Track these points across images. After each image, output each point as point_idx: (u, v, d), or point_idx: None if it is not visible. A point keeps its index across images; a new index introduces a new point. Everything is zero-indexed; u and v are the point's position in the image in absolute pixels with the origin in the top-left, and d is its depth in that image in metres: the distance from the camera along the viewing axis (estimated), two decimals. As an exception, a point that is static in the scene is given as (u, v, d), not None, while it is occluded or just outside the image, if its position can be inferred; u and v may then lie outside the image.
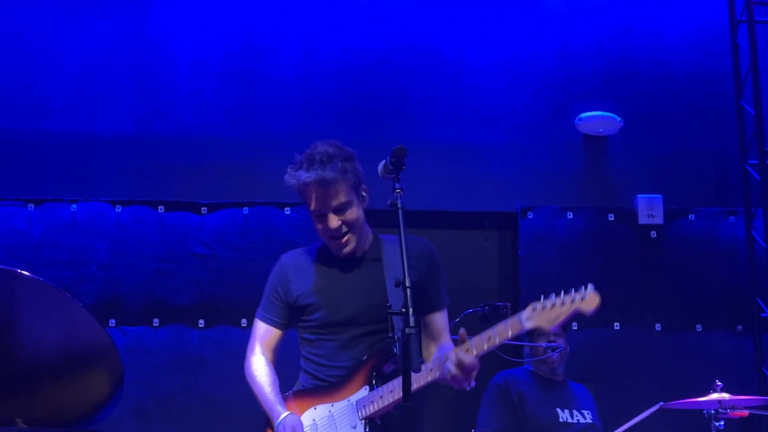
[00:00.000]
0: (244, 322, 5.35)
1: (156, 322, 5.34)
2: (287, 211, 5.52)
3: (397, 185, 2.93)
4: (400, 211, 2.87)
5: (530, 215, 5.70)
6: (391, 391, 2.95)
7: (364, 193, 3.19)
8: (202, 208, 5.49)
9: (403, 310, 2.67)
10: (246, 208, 5.51)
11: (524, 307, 5.27)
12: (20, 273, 3.63)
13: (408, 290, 2.70)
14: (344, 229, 3.12)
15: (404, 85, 5.84)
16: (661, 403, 4.32)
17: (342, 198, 3.08)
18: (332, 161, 3.09)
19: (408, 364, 2.61)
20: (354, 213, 3.12)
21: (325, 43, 5.80)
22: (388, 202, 2.91)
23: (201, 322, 5.36)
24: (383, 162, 3.01)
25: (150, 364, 5.26)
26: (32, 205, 5.35)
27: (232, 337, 5.35)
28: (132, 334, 5.28)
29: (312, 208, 3.13)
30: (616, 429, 4.41)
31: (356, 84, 5.81)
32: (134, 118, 5.59)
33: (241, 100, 5.70)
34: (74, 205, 5.38)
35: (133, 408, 5.10)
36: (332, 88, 5.79)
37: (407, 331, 2.61)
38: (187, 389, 5.27)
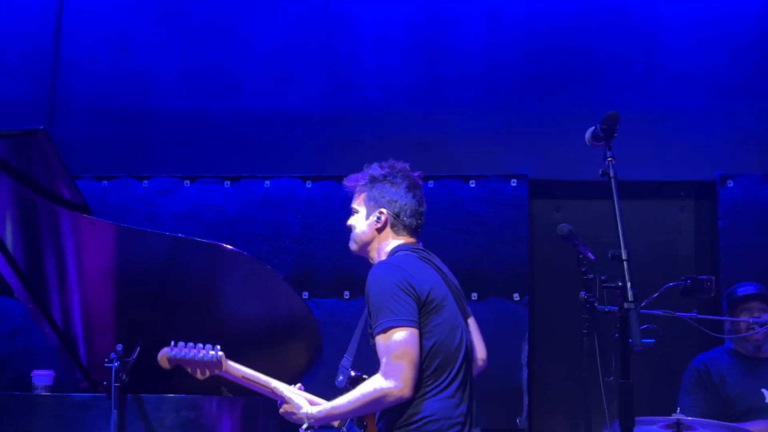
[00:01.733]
0: (430, 295, 5.37)
1: (347, 294, 5.44)
2: (472, 183, 5.48)
3: (608, 153, 2.84)
4: (612, 180, 2.79)
5: (730, 183, 5.38)
6: None
7: (378, 215, 3.09)
8: (389, 182, 5.52)
9: (620, 284, 2.59)
10: (431, 182, 5.50)
11: (727, 281, 5.02)
12: (225, 247, 3.78)
13: (625, 263, 2.61)
14: (351, 230, 3.31)
15: (592, 50, 5.63)
16: None
17: (353, 203, 3.32)
18: (366, 174, 3.30)
19: (625, 340, 2.53)
20: (354, 220, 3.29)
21: (509, 10, 5.67)
22: (600, 171, 2.84)
23: (390, 295, 5.41)
24: (592, 129, 2.94)
25: (342, 336, 5.34)
26: (228, 182, 5.57)
27: (420, 309, 5.37)
28: (324, 306, 5.41)
29: None
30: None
31: (541, 51, 5.65)
32: (321, 94, 5.69)
33: (425, 72, 5.68)
34: (267, 182, 5.55)
35: (326, 377, 5.22)
36: (517, 56, 5.66)
37: (626, 306, 2.53)
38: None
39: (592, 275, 3.01)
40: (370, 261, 3.34)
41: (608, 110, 5.44)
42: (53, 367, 4.22)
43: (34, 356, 5.27)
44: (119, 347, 3.31)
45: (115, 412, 3.16)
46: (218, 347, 3.09)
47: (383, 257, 3.23)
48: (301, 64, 5.71)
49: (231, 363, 3.17)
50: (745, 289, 4.52)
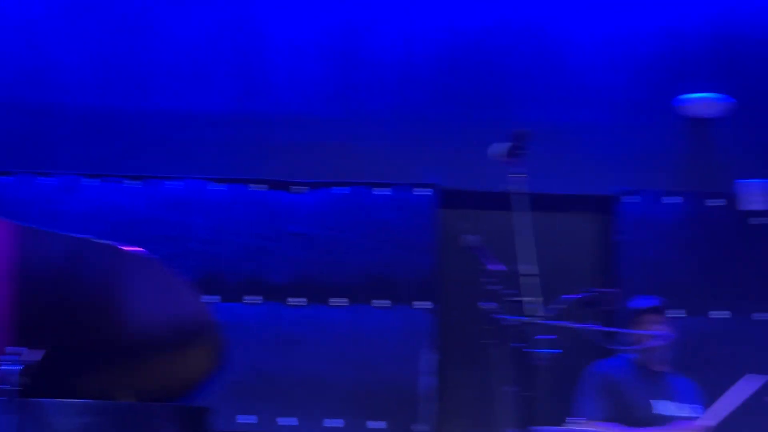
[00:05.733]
0: (337, 301, 5.38)
1: (253, 299, 5.40)
2: (383, 191, 5.51)
3: (516, 170, 2.90)
4: (520, 196, 2.83)
5: (629, 199, 5.56)
6: None
7: None
8: (299, 187, 5.52)
9: (520, 298, 2.63)
10: (343, 188, 5.52)
11: (623, 294, 5.16)
12: (125, 248, 3.69)
13: (529, 278, 2.66)
14: None
15: (504, 64, 5.75)
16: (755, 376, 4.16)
17: None
18: None
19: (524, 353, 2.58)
20: None
21: (425, 22, 5.73)
22: (506, 187, 2.90)
23: (296, 301, 5.40)
24: (501, 145, 2.99)
25: (247, 341, 5.32)
26: (135, 182, 5.46)
27: (327, 315, 5.38)
28: (229, 310, 5.35)
29: None
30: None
31: (456, 63, 5.73)
32: (233, 96, 5.64)
33: (340, 79, 5.69)
34: (175, 182, 5.47)
35: (231, 384, 5.18)
36: (431, 67, 5.73)
37: (525, 320, 2.56)
38: (283, 367, 5.33)
39: (496, 286, 3.05)
40: None
41: (518, 123, 5.61)
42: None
43: None
44: (22, 350, 3.20)
45: (13, 416, 3.06)
46: None
47: None
48: (213, 65, 5.65)
49: None
50: (643, 303, 4.64)
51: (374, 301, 5.41)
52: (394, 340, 5.34)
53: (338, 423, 5.25)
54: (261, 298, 5.40)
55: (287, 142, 5.59)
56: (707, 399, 4.56)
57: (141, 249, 3.76)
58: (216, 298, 5.34)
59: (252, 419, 5.26)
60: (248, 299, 5.40)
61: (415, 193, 5.51)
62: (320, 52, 5.70)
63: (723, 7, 5.77)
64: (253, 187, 5.50)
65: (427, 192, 5.50)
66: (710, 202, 5.59)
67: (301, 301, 5.41)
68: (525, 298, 2.67)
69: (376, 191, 5.51)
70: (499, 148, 3.02)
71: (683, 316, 5.38)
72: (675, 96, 5.66)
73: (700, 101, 5.62)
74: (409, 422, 5.23)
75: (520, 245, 2.83)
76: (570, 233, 5.78)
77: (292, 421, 5.29)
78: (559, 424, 3.90)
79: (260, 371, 5.34)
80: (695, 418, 4.43)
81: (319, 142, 5.59)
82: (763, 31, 5.75)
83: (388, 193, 5.50)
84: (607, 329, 4.03)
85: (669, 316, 4.94)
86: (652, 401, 4.47)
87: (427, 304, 5.37)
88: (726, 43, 5.75)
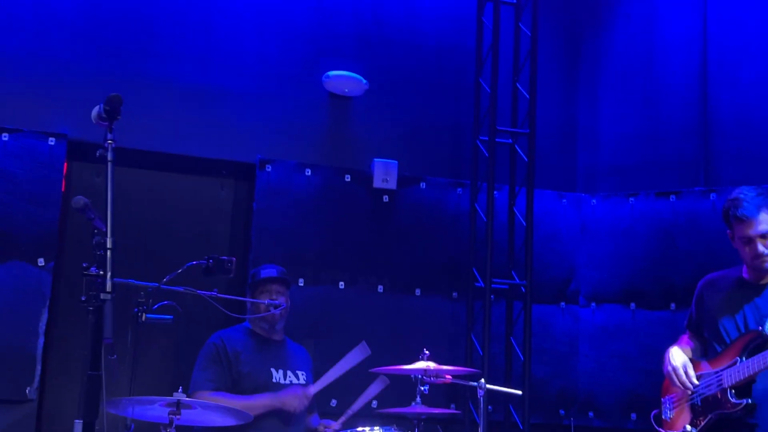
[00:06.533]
0: (-61, 256, 4.89)
1: None
2: (5, 137, 5.06)
3: (109, 136, 2.80)
4: (110, 164, 2.74)
5: (269, 168, 5.62)
6: None
7: None
8: None
9: (101, 272, 2.56)
10: (-46, 128, 5.00)
11: (256, 262, 5.21)
12: None
13: (109, 252, 2.58)
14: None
15: (151, 18, 5.53)
16: (365, 345, 4.46)
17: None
18: None
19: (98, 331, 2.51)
20: None
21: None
22: (97, 153, 2.81)
23: None
24: (97, 108, 2.89)
25: None
26: None
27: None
28: None
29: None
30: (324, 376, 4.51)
31: (99, 9, 5.41)
32: None
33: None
34: None
35: None
36: (71, 9, 5.35)
37: (102, 296, 2.51)
38: None
39: (103, 251, 2.90)
40: None
41: (161, 80, 5.46)
42: None
43: None
44: None
45: None
46: None
47: None
48: None
49: None
50: (266, 272, 4.72)
51: (-14, 256, 4.97)
52: (6, 298, 4.96)
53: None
54: None
55: None
56: (320, 365, 4.76)
57: None
58: None
59: None
60: None
61: (42, 142, 5.12)
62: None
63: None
64: None
65: (56, 142, 5.14)
66: (347, 177, 5.80)
67: None
68: (102, 275, 2.60)
69: (-3, 136, 5.06)
70: (95, 112, 2.91)
71: (310, 285, 5.56)
72: (320, 71, 5.81)
73: (343, 78, 5.81)
74: (11, 385, 4.88)
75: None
76: (210, 198, 5.73)
77: None
78: (171, 394, 3.82)
79: None
80: (306, 384, 4.61)
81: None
82: (403, 16, 6.08)
83: (11, 139, 5.07)
84: (226, 296, 4.03)
85: (293, 285, 5.11)
86: (269, 369, 4.57)
87: (46, 262, 5.02)
88: (369, 25, 6.00)
